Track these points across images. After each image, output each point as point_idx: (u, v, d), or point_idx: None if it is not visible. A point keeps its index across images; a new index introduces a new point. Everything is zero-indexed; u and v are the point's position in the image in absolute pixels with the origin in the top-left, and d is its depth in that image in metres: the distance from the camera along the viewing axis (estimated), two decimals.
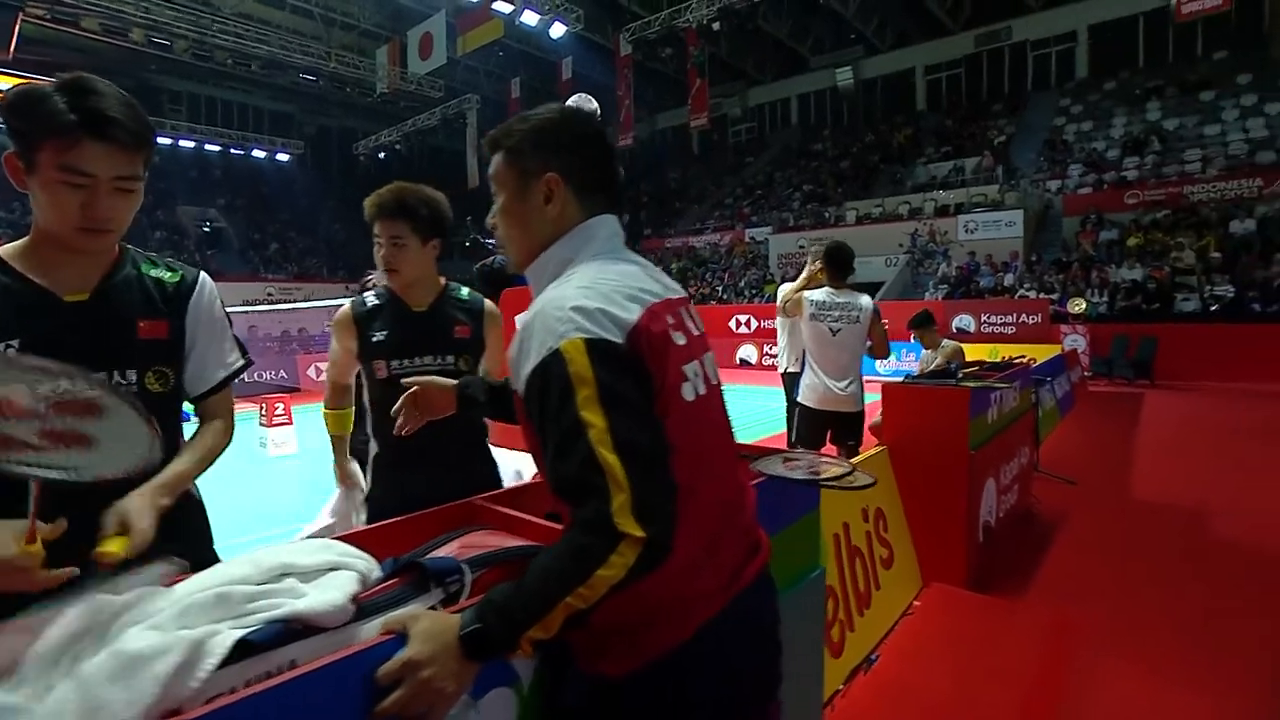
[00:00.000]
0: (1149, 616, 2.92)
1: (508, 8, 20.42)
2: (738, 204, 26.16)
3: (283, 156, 29.26)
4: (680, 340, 0.98)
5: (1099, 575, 3.38)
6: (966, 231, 16.66)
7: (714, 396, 1.05)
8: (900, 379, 3.31)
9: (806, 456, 1.58)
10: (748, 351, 15.17)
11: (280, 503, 5.60)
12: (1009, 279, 14.79)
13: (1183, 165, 16.48)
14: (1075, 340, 11.43)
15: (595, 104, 3.27)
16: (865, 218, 19.30)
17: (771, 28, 26.24)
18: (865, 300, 3.53)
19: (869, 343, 3.61)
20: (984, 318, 12.62)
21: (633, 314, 0.92)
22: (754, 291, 18.86)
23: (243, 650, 0.79)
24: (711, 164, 31.74)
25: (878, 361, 4.41)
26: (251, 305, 25.48)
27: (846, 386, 3.49)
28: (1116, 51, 22.73)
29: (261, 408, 7.46)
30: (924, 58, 26.87)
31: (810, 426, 3.65)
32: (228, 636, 0.79)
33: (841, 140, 27.23)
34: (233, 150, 27.75)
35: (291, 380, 13.52)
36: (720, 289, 19.88)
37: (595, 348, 0.87)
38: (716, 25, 18.54)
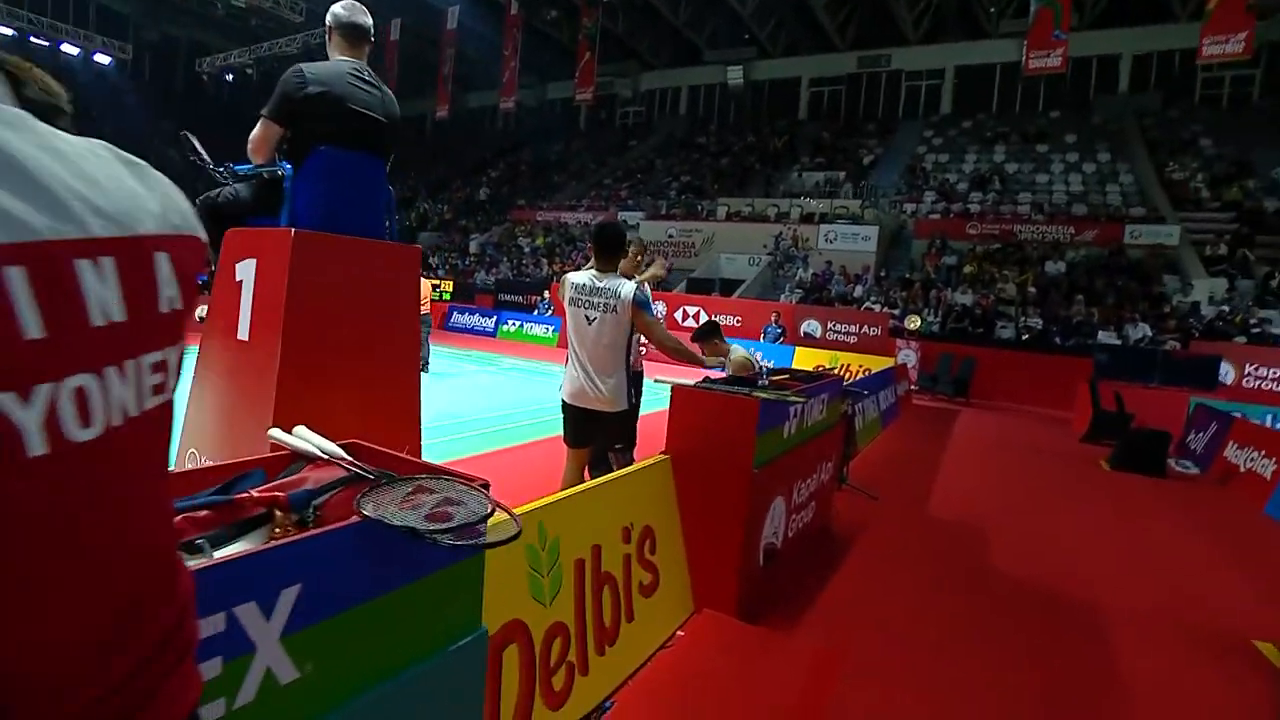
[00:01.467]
0: (920, 640, 2.81)
1: None
2: (616, 185, 25.80)
3: (102, 58, 25.07)
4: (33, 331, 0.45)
5: (880, 598, 3.27)
6: (826, 241, 17.31)
7: (102, 447, 0.52)
8: (694, 382, 2.98)
9: (447, 490, 1.13)
10: None
11: None
12: (859, 290, 15.50)
13: (1016, 206, 18.08)
14: (907, 355, 12.09)
15: (369, 17, 2.64)
16: (735, 215, 19.57)
17: (669, 14, 26.03)
18: (627, 288, 3.03)
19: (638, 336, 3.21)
20: (830, 325, 13.09)
21: None
22: None
23: None
24: (596, 142, 31.15)
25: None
26: None
27: (604, 383, 3.07)
28: (976, 95, 24.78)
29: None
30: (811, 69, 27.81)
31: (570, 425, 3.26)
32: None
33: (725, 137, 27.59)
34: (33, 40, 23.29)
35: None
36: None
37: None
38: None
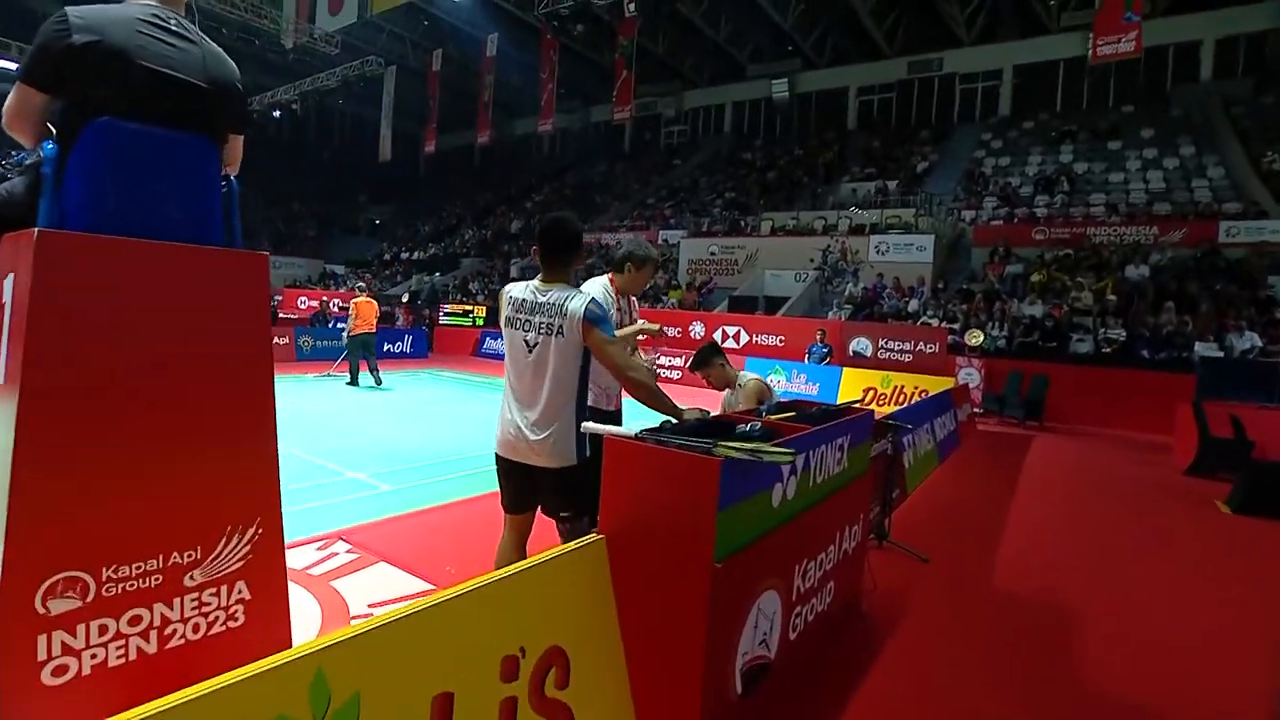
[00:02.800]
0: None
1: None
2: (659, 205, 25.23)
3: None
4: None
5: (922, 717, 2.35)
6: (878, 252, 16.16)
7: None
8: (646, 431, 2.12)
9: None
10: None
11: None
12: (914, 304, 14.28)
13: (1088, 208, 16.56)
14: (969, 374, 10.85)
15: None
16: (780, 229, 18.62)
17: (710, 31, 25.55)
18: (576, 302, 2.32)
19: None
20: (881, 342, 11.95)
21: None
22: (654, 299, 17.82)
23: None
24: (641, 163, 30.80)
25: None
26: None
27: (543, 429, 2.32)
28: (1037, 93, 23.41)
29: None
30: (858, 78, 26.92)
31: (503, 485, 2.51)
32: None
33: (771, 151, 26.76)
34: None
35: None
36: None
37: None
38: (633, 6, 17.43)
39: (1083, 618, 3.36)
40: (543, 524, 2.59)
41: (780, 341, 13.18)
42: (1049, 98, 23.26)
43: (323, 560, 3.36)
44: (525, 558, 2.48)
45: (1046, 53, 22.75)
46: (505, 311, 2.46)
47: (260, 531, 2.17)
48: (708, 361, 3.64)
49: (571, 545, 1.90)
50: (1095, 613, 3.43)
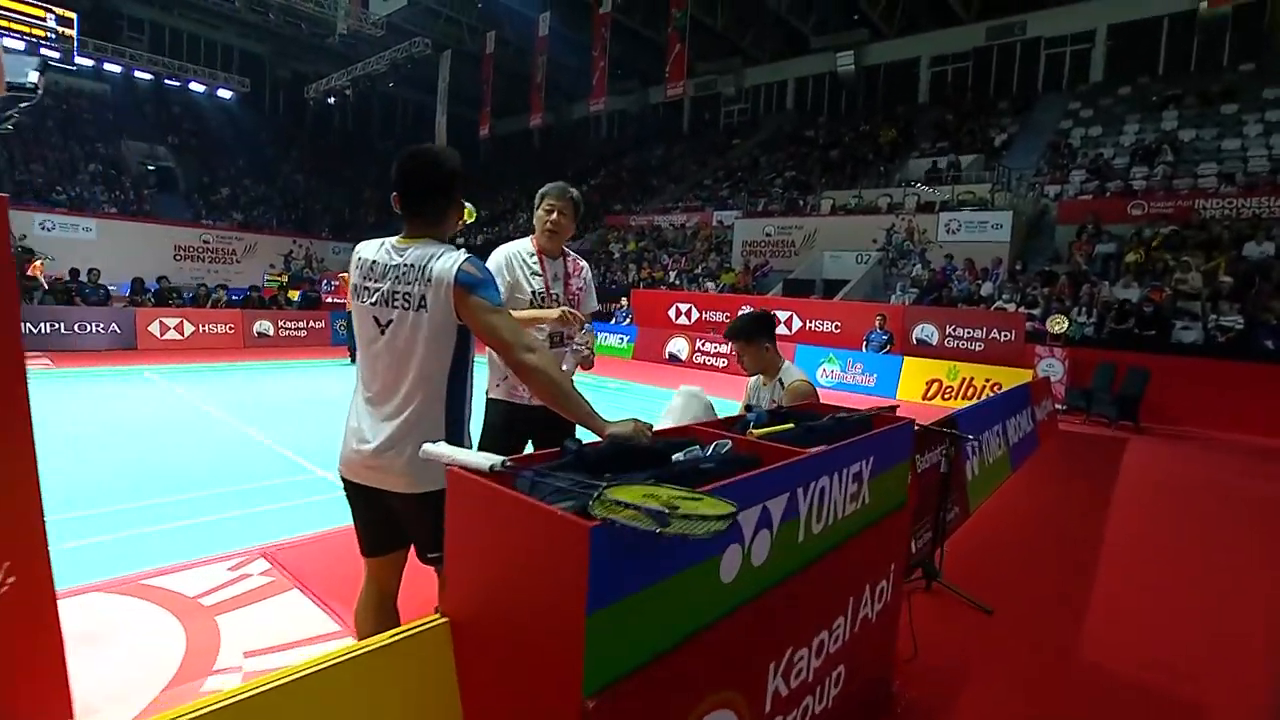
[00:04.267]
0: None
1: None
2: (716, 185, 24.24)
3: (224, 93, 26.96)
4: None
5: None
6: (948, 231, 14.77)
7: None
8: (514, 461, 1.38)
9: None
10: (678, 346, 13.24)
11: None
12: (987, 288, 12.93)
13: (1196, 179, 14.66)
14: (1051, 366, 9.59)
15: None
16: (841, 209, 17.38)
17: (771, 1, 24.25)
18: (444, 261, 1.64)
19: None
20: (949, 329, 10.76)
21: None
22: (707, 278, 16.93)
23: None
24: (699, 144, 29.80)
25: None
26: (184, 253, 23.60)
27: (395, 439, 1.67)
28: (1136, 55, 21.11)
29: None
30: (931, 47, 25.06)
31: (354, 519, 1.84)
32: None
33: (836, 128, 25.29)
34: (168, 81, 25.34)
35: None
36: (674, 275, 17.91)
37: None
38: None
39: (1206, 706, 2.45)
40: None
41: (836, 328, 12.13)
42: (1149, 59, 20.92)
43: (227, 584, 2.79)
44: (395, 622, 1.81)
45: (1148, 8, 20.42)
46: (353, 278, 1.77)
47: (13, 580, 1.58)
48: (753, 335, 2.87)
49: (385, 638, 1.20)
50: (1225, 700, 2.51)
